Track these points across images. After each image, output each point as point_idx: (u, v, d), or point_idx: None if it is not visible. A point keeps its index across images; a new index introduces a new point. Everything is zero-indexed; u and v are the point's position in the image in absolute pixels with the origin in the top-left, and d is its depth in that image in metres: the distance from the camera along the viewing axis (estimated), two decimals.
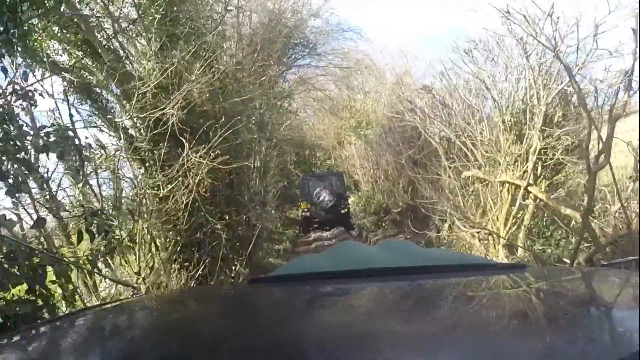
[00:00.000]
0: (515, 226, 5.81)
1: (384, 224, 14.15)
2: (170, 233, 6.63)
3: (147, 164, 6.98)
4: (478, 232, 6.32)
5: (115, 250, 3.53)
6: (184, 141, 5.48)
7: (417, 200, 9.86)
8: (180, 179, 5.34)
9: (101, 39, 7.36)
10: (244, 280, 7.03)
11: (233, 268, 8.30)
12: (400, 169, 12.35)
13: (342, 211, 17.34)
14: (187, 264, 6.71)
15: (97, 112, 7.51)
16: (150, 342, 1.20)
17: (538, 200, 5.71)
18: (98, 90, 7.75)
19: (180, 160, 5.26)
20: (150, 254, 4.86)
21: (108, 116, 6.32)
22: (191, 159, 5.36)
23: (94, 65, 7.40)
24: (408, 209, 11.49)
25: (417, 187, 11.33)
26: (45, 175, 5.48)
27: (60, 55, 7.99)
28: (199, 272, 6.46)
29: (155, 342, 1.19)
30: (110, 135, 7.52)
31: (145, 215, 4.90)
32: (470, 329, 1.12)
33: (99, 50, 7.02)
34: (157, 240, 5.85)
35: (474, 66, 6.07)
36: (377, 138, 14.60)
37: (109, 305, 1.92)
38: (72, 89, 7.81)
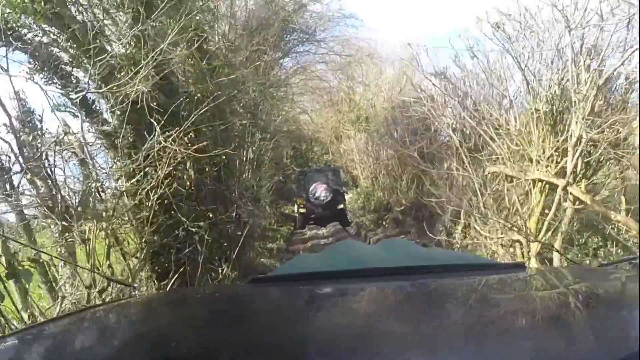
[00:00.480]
0: (550, 232, 4.91)
1: (384, 223, 13.24)
2: (143, 234, 5.76)
3: (120, 153, 6.08)
4: (501, 238, 5.43)
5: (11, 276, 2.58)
6: (155, 124, 4.52)
7: (425, 198, 8.98)
8: (147, 169, 4.39)
9: (75, 12, 6.46)
10: (238, 280, 6.90)
11: (220, 271, 7.45)
12: (404, 164, 11.45)
13: (339, 207, 17.00)
14: (161, 269, 5.82)
15: (64, 93, 6.59)
16: (149, 342, 1.17)
17: (577, 203, 4.82)
18: (68, 68, 6.83)
19: (145, 145, 4.29)
20: (108, 262, 3.92)
21: (71, 94, 5.31)
22: (160, 142, 4.38)
23: (63, 37, 6.48)
24: (412, 207, 10.59)
25: (423, 183, 10.45)
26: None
27: (27, 29, 7.08)
28: (177, 278, 5.58)
29: (155, 342, 1.16)
30: (84, 121, 6.59)
31: (104, 214, 3.98)
32: (470, 329, 1.11)
33: (69, 23, 6.11)
34: (125, 244, 4.94)
35: (502, 43, 5.13)
36: (379, 130, 13.68)
37: (111, 305, 1.89)
38: (38, 67, 6.89)
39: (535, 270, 2.59)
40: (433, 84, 6.87)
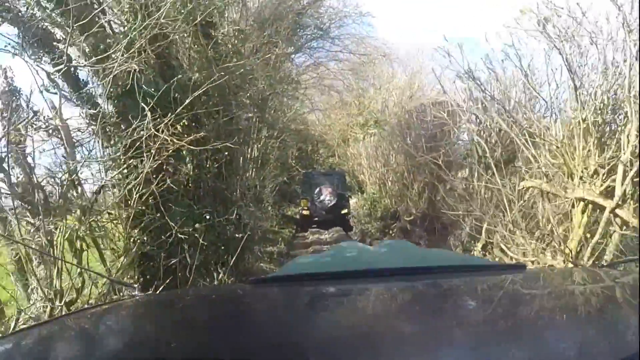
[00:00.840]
0: (592, 259, 4.29)
1: (391, 232, 12.62)
2: (130, 235, 5.20)
3: (111, 142, 5.50)
4: (533, 262, 4.81)
5: None
6: (146, 108, 3.90)
7: (441, 209, 8.38)
8: (133, 161, 3.80)
9: None
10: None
11: (215, 276, 6.87)
12: (416, 171, 10.83)
13: (343, 212, 16.91)
14: (149, 274, 5.24)
15: (55, 73, 5.99)
16: (150, 342, 1.17)
17: (624, 227, 4.21)
18: (61, 46, 6.25)
19: (127, 132, 3.68)
20: (77, 270, 3.33)
21: (47, 67, 4.67)
22: (150, 129, 3.76)
23: (57, 10, 5.90)
24: (424, 217, 9.97)
25: (436, 192, 9.84)
26: None
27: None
28: (167, 284, 5.00)
29: (155, 342, 1.16)
30: (76, 105, 6.00)
31: (78, 212, 3.39)
32: (471, 329, 1.10)
33: None
34: (108, 245, 4.36)
35: (550, 41, 4.49)
36: (390, 135, 13.06)
37: (111, 305, 1.90)
38: (28, 43, 6.31)
39: (535, 271, 2.57)
40: (470, 77, 6.21)
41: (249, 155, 9.73)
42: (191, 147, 4.24)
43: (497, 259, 5.64)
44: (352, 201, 18.79)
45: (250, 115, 8.22)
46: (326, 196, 16.87)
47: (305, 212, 17.33)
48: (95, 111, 4.20)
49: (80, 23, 4.20)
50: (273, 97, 10.30)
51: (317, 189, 17.08)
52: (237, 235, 8.33)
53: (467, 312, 1.30)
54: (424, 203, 10.06)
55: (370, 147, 15.62)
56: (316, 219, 17.17)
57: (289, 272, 2.08)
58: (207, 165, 7.08)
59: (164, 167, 4.95)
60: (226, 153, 6.89)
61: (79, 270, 3.24)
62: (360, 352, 0.96)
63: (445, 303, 1.42)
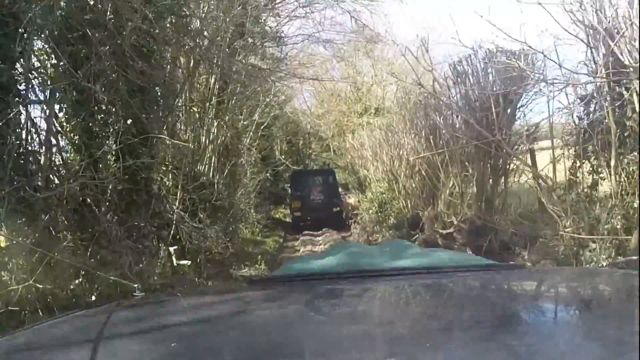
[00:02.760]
0: None
1: None
2: None
3: None
4: None
5: None
6: None
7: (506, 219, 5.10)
8: None
9: None
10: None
11: None
12: (453, 160, 7.40)
13: (335, 210, 16.64)
14: None
15: None
16: (150, 342, 1.16)
17: None
18: None
19: None
20: None
21: None
22: None
23: None
24: (473, 230, 6.55)
25: (494, 192, 6.54)
26: None
27: None
28: None
29: (154, 342, 1.15)
30: None
31: None
32: (470, 329, 1.11)
33: None
34: None
35: None
36: (405, 115, 9.71)
37: (111, 305, 1.79)
38: None
39: (535, 271, 2.68)
40: None
41: (205, 140, 6.39)
42: None
43: None
44: (351, 200, 17.72)
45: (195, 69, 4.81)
46: (316, 195, 16.74)
47: (297, 214, 16.91)
48: None
49: None
50: (244, 53, 6.85)
51: (307, 189, 16.91)
52: (182, 263, 5.32)
53: (468, 311, 1.25)
54: (470, 208, 6.68)
55: (378, 134, 12.24)
56: (308, 219, 16.59)
57: (289, 272, 2.07)
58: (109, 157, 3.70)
59: None
60: (132, 125, 3.52)
61: None
62: (359, 352, 0.94)
63: (446, 303, 1.40)
